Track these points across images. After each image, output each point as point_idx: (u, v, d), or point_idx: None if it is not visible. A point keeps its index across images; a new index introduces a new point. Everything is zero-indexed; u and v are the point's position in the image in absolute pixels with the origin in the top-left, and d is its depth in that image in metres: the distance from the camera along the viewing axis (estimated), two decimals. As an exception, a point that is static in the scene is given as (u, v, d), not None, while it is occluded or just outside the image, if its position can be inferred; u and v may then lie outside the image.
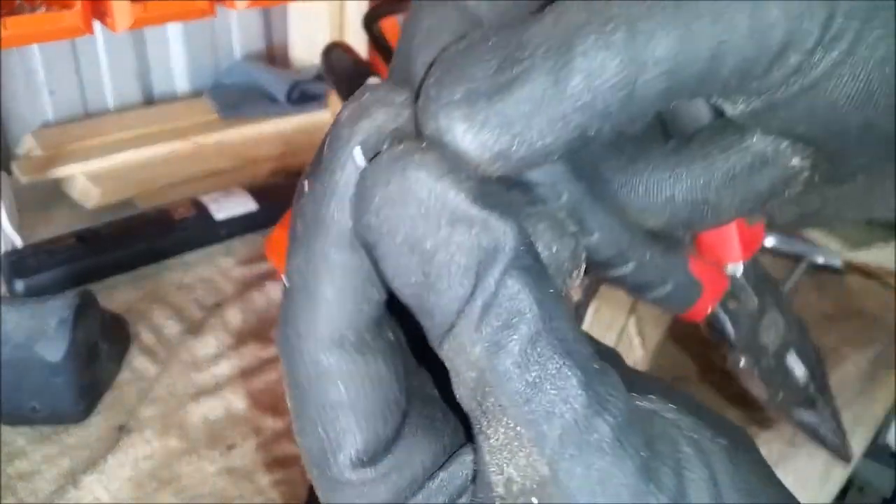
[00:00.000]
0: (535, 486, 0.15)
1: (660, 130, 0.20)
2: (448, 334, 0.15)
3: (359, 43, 0.84)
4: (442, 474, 0.18)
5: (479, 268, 0.15)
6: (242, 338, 0.66)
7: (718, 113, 0.19)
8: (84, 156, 0.83)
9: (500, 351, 0.15)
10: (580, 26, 0.15)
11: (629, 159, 0.20)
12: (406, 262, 0.15)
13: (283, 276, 0.18)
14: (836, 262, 0.79)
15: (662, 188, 0.19)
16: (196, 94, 0.97)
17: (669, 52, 0.15)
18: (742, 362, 0.35)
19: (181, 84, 0.96)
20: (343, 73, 0.62)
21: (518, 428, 0.15)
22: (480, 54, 0.16)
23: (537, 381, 0.15)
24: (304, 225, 0.17)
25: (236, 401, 0.60)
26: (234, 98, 0.94)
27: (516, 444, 0.15)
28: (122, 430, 0.57)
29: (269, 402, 0.60)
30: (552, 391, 0.15)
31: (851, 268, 0.80)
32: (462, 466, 0.17)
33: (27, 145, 0.84)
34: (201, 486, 0.53)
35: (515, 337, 0.15)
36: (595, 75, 0.15)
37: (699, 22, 0.15)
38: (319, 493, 0.18)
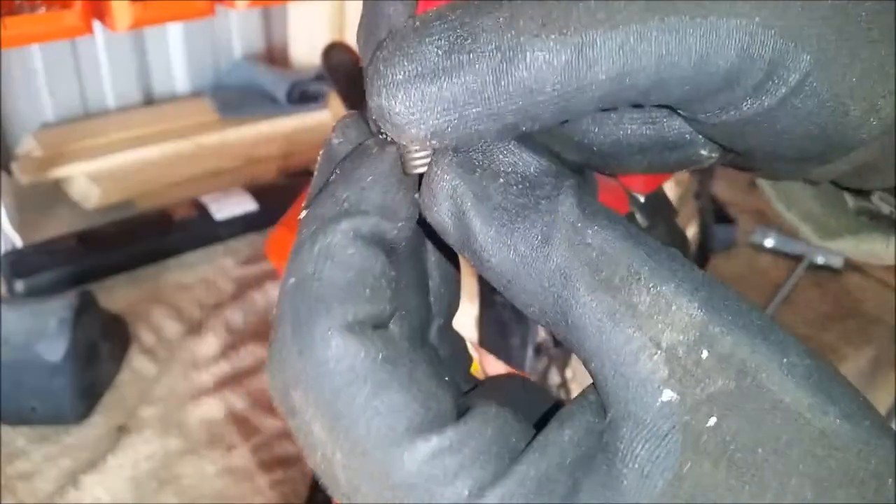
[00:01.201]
0: (698, 335, 0.15)
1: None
2: (552, 233, 0.16)
3: (359, 43, 0.84)
4: (564, 431, 0.16)
5: (553, 183, 0.17)
6: (242, 338, 0.66)
7: None
8: (84, 156, 0.83)
9: (612, 227, 0.16)
10: (532, 30, 0.16)
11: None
12: (490, 215, 0.17)
13: (282, 283, 0.17)
14: (837, 263, 0.79)
15: (589, 136, 0.20)
16: (196, 94, 0.97)
17: (613, 67, 0.16)
18: None
19: (181, 84, 0.96)
20: (343, 73, 0.62)
21: (661, 286, 0.15)
22: (431, 34, 0.16)
23: (651, 251, 0.16)
24: (319, 221, 0.18)
25: (236, 401, 0.60)
26: (234, 98, 0.94)
27: (663, 302, 0.15)
28: (122, 430, 0.57)
29: (269, 403, 0.60)
30: (670, 258, 0.16)
31: (851, 268, 0.80)
32: (582, 407, 0.16)
33: (27, 145, 0.84)
34: (201, 486, 0.53)
35: (615, 218, 0.16)
36: (537, 80, 0.16)
37: (647, 37, 0.16)
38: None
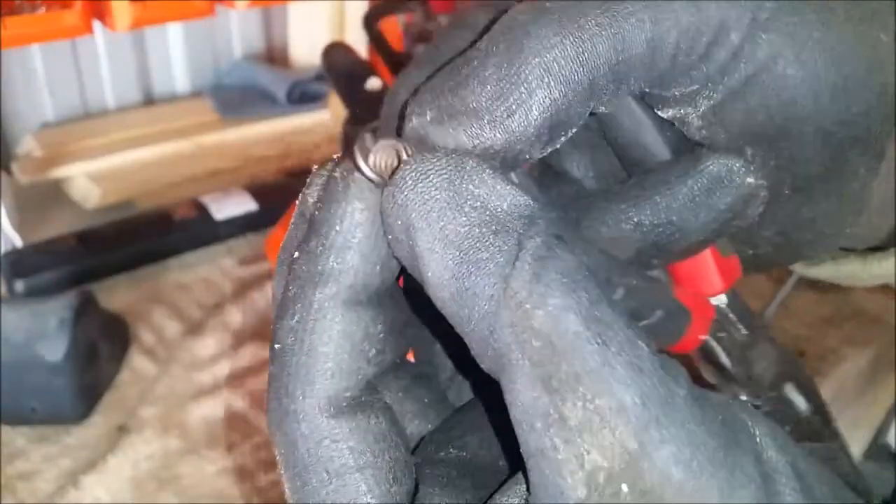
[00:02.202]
0: (623, 465, 0.14)
1: (621, 178, 0.22)
2: (499, 309, 0.15)
3: (359, 43, 0.84)
4: None
5: (519, 234, 0.15)
6: (242, 338, 0.66)
7: (674, 150, 0.20)
8: (84, 156, 0.83)
9: (565, 311, 0.14)
10: (531, 48, 0.17)
11: (594, 200, 0.21)
12: (443, 256, 0.15)
13: (270, 346, 0.17)
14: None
15: (626, 216, 0.20)
16: (196, 94, 0.97)
17: (610, 46, 0.17)
18: (742, 396, 0.34)
19: (181, 84, 0.96)
20: (343, 73, 0.62)
21: (597, 400, 0.14)
22: (443, 72, 0.17)
23: (607, 342, 0.14)
24: (298, 286, 0.17)
25: (236, 401, 0.60)
26: (234, 98, 0.94)
27: (597, 420, 0.14)
28: (122, 430, 0.57)
29: (269, 403, 0.60)
30: (625, 354, 0.14)
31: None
32: (513, 497, 0.16)
33: (27, 145, 0.84)
34: (201, 486, 0.53)
35: (578, 295, 0.14)
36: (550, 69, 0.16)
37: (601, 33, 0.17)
38: None
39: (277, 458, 0.17)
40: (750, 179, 0.19)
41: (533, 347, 0.14)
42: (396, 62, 0.69)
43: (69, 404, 0.56)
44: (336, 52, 0.64)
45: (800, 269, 0.32)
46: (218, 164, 0.87)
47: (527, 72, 0.16)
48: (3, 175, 0.73)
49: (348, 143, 0.54)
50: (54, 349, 0.54)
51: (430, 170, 0.16)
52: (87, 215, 0.78)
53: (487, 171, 0.16)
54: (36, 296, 0.65)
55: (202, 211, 0.76)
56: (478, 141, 0.17)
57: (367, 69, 0.63)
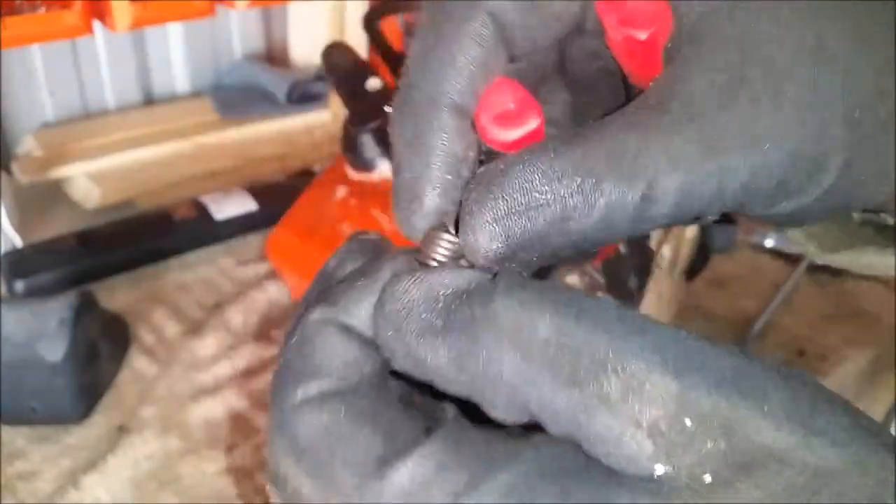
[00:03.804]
0: (676, 406, 0.15)
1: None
2: (498, 343, 0.17)
3: (359, 43, 0.84)
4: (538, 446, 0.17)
5: (486, 291, 0.18)
6: (242, 338, 0.66)
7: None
8: (84, 156, 0.83)
9: (563, 304, 0.16)
10: (603, 174, 0.18)
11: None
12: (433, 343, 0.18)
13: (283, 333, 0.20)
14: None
15: None
16: (196, 94, 0.97)
17: (672, 203, 0.18)
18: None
19: (181, 84, 0.96)
20: (343, 73, 0.62)
21: (628, 366, 0.15)
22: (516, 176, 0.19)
23: (609, 326, 0.16)
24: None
25: (236, 401, 0.60)
26: (234, 98, 0.94)
27: (635, 383, 0.15)
28: (122, 430, 0.57)
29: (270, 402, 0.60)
30: (628, 325, 0.16)
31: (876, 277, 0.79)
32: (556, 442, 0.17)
33: (27, 145, 0.84)
34: (201, 486, 0.53)
35: (565, 297, 0.17)
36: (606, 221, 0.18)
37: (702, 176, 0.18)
38: None
39: (284, 471, 0.18)
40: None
41: (546, 355, 0.16)
42: (396, 62, 0.69)
43: (69, 404, 0.56)
44: (336, 52, 0.64)
45: (819, 255, 0.34)
46: (218, 164, 0.87)
47: None
48: (3, 175, 0.73)
49: (348, 143, 0.54)
50: (54, 349, 0.54)
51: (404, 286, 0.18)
52: (87, 215, 0.78)
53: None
54: (36, 296, 0.65)
55: (202, 211, 0.76)
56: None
57: (367, 69, 0.63)
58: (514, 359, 0.16)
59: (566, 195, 0.18)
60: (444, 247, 0.20)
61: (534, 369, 0.16)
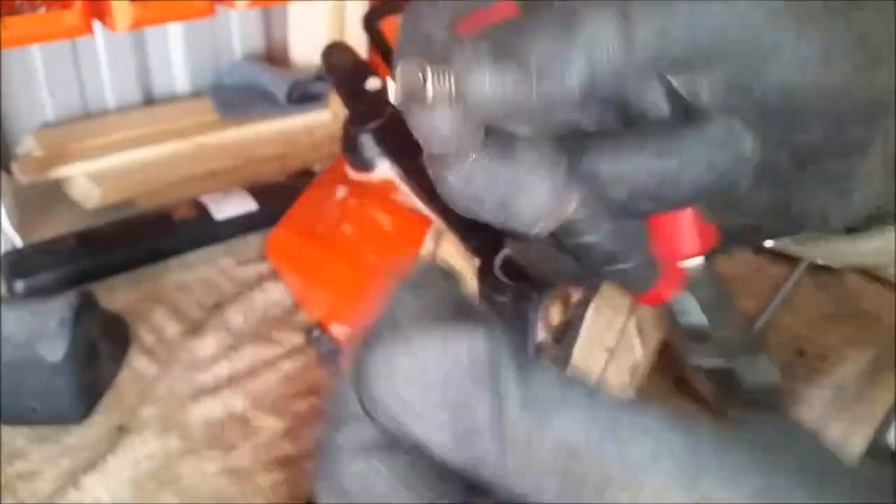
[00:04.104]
0: None
1: (623, 122, 0.23)
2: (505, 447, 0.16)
3: (359, 43, 0.84)
4: None
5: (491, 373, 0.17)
6: (242, 338, 0.66)
7: (678, 105, 0.22)
8: (84, 156, 0.83)
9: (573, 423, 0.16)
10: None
11: (594, 138, 0.22)
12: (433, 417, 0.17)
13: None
14: (837, 263, 0.79)
15: (628, 157, 0.22)
16: (196, 94, 0.97)
17: (654, 33, 0.19)
18: (710, 356, 0.34)
19: (181, 84, 0.96)
20: (343, 73, 0.62)
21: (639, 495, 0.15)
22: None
23: (619, 434, 0.16)
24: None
25: (236, 401, 0.60)
26: (234, 98, 0.94)
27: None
28: (122, 430, 0.57)
29: (269, 403, 0.60)
30: (643, 439, 0.16)
31: (851, 268, 0.79)
32: None
33: (27, 145, 0.84)
34: (201, 486, 0.53)
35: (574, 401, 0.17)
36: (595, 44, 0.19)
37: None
38: None
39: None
40: (748, 145, 0.21)
41: (554, 467, 0.15)
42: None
43: (69, 404, 0.56)
44: (336, 52, 0.64)
45: (791, 247, 0.33)
46: (218, 164, 0.87)
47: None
48: (3, 175, 0.73)
49: (348, 143, 0.54)
50: (54, 349, 0.54)
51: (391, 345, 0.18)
52: (87, 215, 0.78)
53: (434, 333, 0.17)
54: (36, 296, 0.65)
55: (202, 211, 0.76)
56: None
57: (367, 69, 0.62)
58: (520, 461, 0.16)
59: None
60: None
61: (540, 479, 0.15)
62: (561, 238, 0.24)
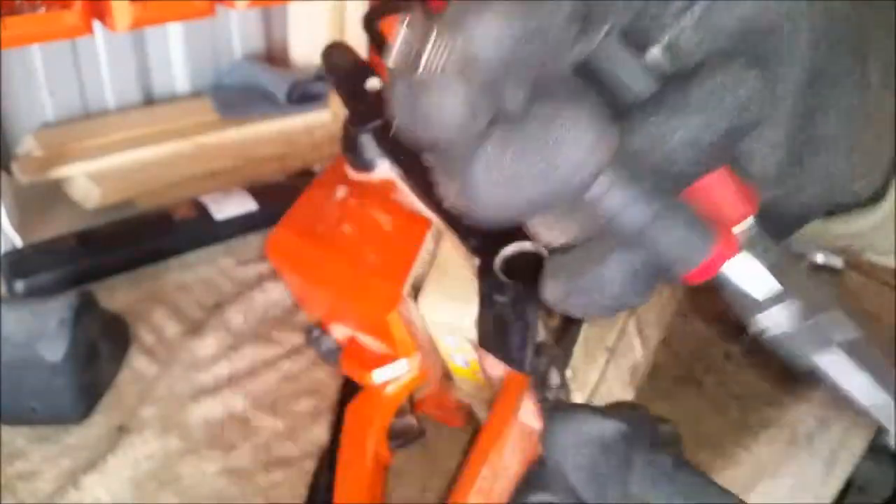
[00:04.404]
0: None
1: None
2: None
3: (359, 43, 0.84)
4: None
5: (624, 453, 0.24)
6: (242, 338, 0.66)
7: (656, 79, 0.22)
8: (84, 156, 0.83)
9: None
10: None
11: (627, 110, 0.22)
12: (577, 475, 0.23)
13: None
14: (837, 263, 0.79)
15: (654, 126, 0.22)
16: (196, 94, 0.97)
17: None
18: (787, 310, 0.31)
19: (181, 84, 0.96)
20: (343, 73, 0.62)
21: None
22: None
23: None
24: None
25: (236, 401, 0.60)
26: (234, 98, 0.94)
27: None
28: (122, 430, 0.57)
29: (269, 403, 0.60)
30: None
31: (852, 268, 0.79)
32: None
33: (27, 145, 0.84)
34: (201, 486, 0.53)
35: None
36: None
37: None
38: None
39: None
40: (752, 74, 0.21)
41: None
42: (396, 62, 0.69)
43: (69, 404, 0.56)
44: (336, 52, 0.64)
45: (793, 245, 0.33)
46: (218, 164, 0.87)
47: None
48: (3, 175, 0.73)
49: (348, 143, 0.54)
50: (54, 349, 0.55)
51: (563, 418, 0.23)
52: (87, 215, 0.78)
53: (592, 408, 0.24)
54: (36, 296, 0.65)
55: (202, 211, 0.76)
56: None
57: (367, 69, 0.62)
58: None
59: None
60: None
61: None
62: (604, 223, 0.23)
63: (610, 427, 0.23)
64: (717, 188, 0.24)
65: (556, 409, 0.25)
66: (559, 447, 0.23)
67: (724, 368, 0.53)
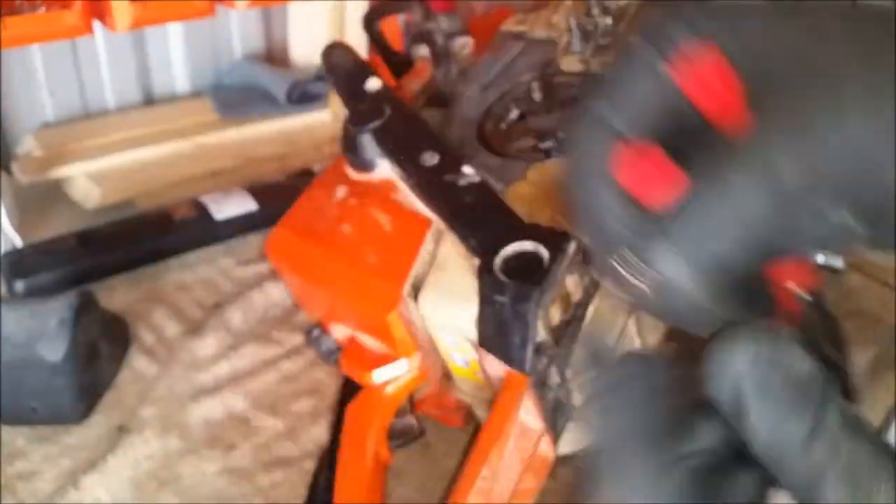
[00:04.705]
0: None
1: None
2: (807, 452, 0.22)
3: (359, 43, 0.84)
4: None
5: (818, 404, 0.23)
6: (242, 338, 0.66)
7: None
8: (84, 156, 0.83)
9: (860, 433, 0.23)
10: None
11: None
12: (762, 410, 0.23)
13: None
14: (837, 263, 0.79)
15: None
16: (196, 94, 0.97)
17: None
18: None
19: (181, 84, 0.96)
20: (343, 73, 0.62)
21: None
22: None
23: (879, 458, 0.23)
24: None
25: (236, 401, 0.60)
26: (234, 98, 0.94)
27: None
28: (122, 430, 0.57)
29: (269, 403, 0.60)
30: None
31: (852, 268, 0.79)
32: None
33: (27, 145, 0.84)
34: (201, 486, 0.53)
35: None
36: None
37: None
38: None
39: None
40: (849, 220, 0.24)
41: (842, 461, 0.22)
42: (396, 62, 0.69)
43: (69, 404, 0.56)
44: (336, 52, 0.64)
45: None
46: (218, 164, 0.87)
47: None
48: (3, 175, 0.73)
49: (348, 143, 0.54)
50: (54, 349, 0.55)
51: (751, 338, 0.23)
52: (87, 215, 0.78)
53: (794, 342, 0.23)
54: (36, 296, 0.65)
55: (202, 211, 0.76)
56: None
57: (367, 69, 0.62)
58: (821, 452, 0.22)
59: None
60: None
61: (830, 465, 0.22)
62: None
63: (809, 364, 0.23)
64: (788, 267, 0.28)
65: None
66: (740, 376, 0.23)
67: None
